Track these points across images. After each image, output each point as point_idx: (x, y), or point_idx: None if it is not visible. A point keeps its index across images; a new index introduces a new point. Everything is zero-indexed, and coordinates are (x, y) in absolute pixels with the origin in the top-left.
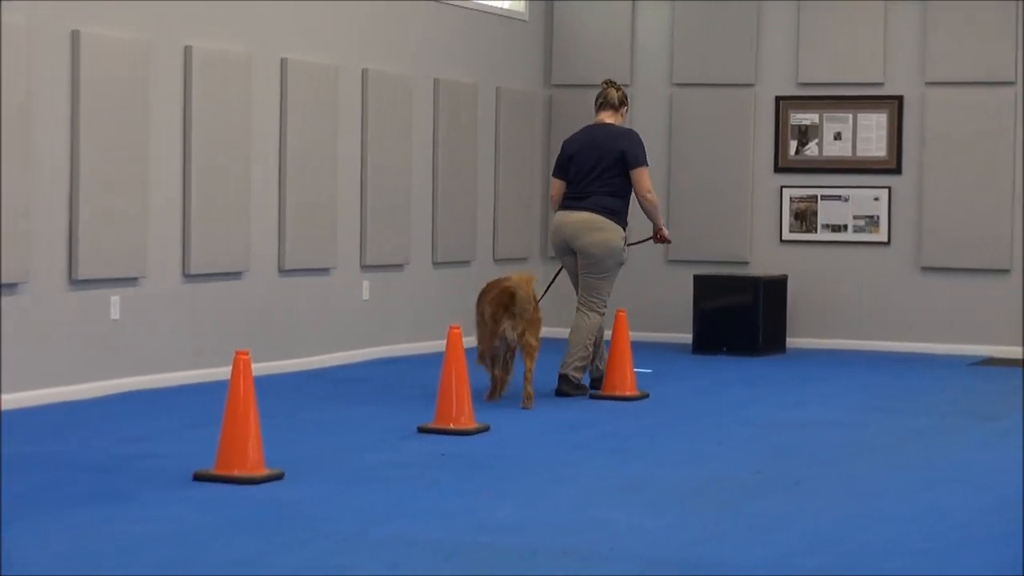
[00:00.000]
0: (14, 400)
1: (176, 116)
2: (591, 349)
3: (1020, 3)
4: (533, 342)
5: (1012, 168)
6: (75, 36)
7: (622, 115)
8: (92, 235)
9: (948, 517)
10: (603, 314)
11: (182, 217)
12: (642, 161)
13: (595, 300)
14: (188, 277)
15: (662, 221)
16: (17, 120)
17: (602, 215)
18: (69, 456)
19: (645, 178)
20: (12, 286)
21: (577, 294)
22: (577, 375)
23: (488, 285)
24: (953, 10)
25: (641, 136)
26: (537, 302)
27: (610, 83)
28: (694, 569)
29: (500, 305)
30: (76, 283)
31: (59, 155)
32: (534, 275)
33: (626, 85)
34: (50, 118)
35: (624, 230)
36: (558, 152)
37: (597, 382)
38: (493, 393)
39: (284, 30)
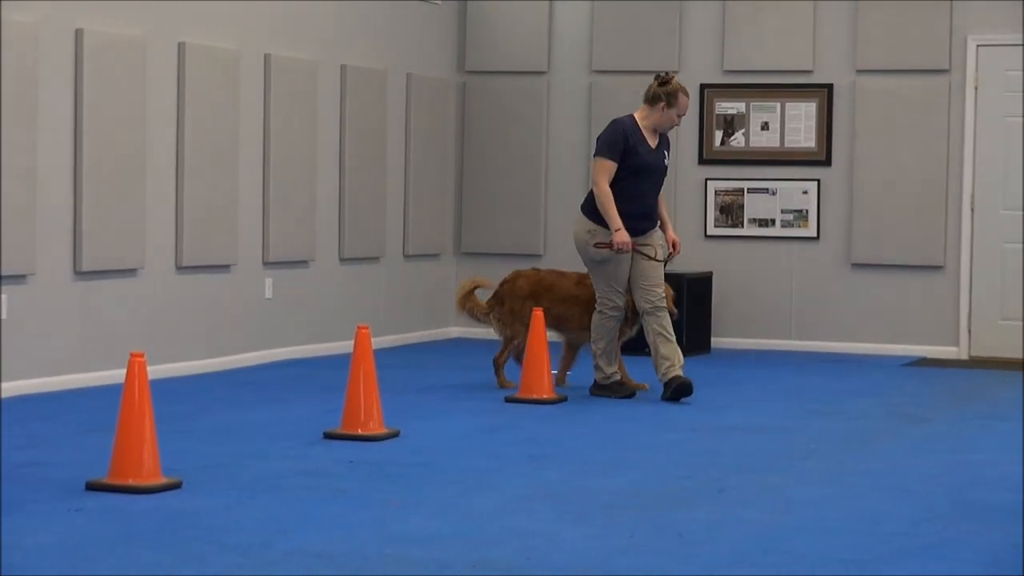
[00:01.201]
0: None
1: (67, 104)
2: (595, 348)
3: None
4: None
5: (946, 160)
6: None
7: (659, 111)
8: None
9: (880, 526)
10: (602, 314)
11: (73, 211)
12: (597, 151)
13: (597, 299)
14: (79, 275)
15: (614, 222)
16: None
17: (581, 209)
18: None
19: (594, 168)
20: None
21: None
22: (598, 375)
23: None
24: None
25: (609, 129)
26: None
27: (657, 76)
28: None
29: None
30: None
31: None
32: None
33: (542, 72)
34: None
35: (593, 223)
36: None
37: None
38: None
39: (181, 12)
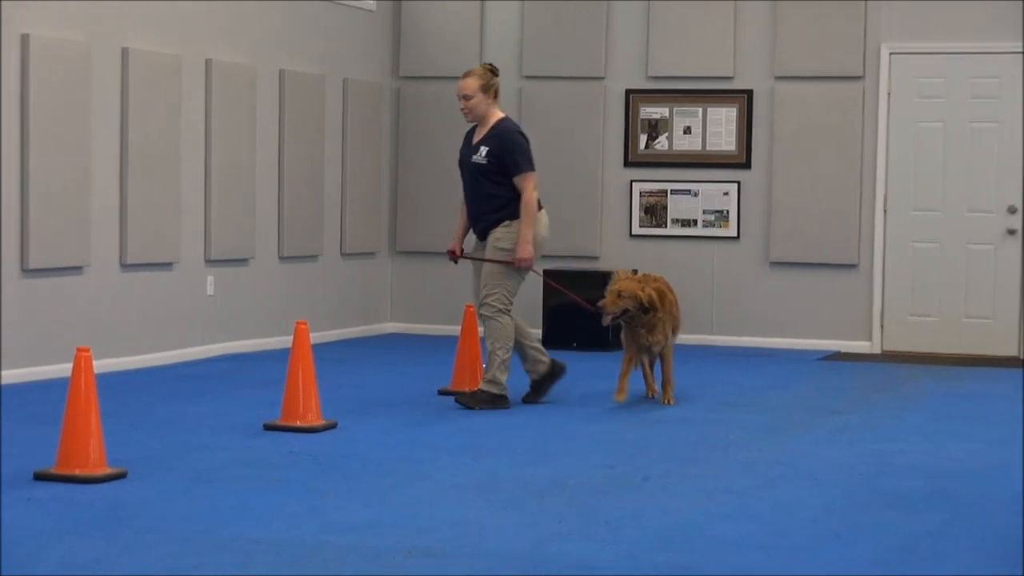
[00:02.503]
0: None
1: (13, 108)
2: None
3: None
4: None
5: (859, 163)
6: None
7: None
8: None
9: (796, 513)
10: None
11: (20, 210)
12: None
13: None
14: (27, 272)
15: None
16: None
17: None
18: None
19: None
20: None
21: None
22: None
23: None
24: (802, 4)
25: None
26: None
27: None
28: (545, 566)
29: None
30: None
31: None
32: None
33: None
34: None
35: None
36: (528, 144)
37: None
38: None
39: (124, 18)
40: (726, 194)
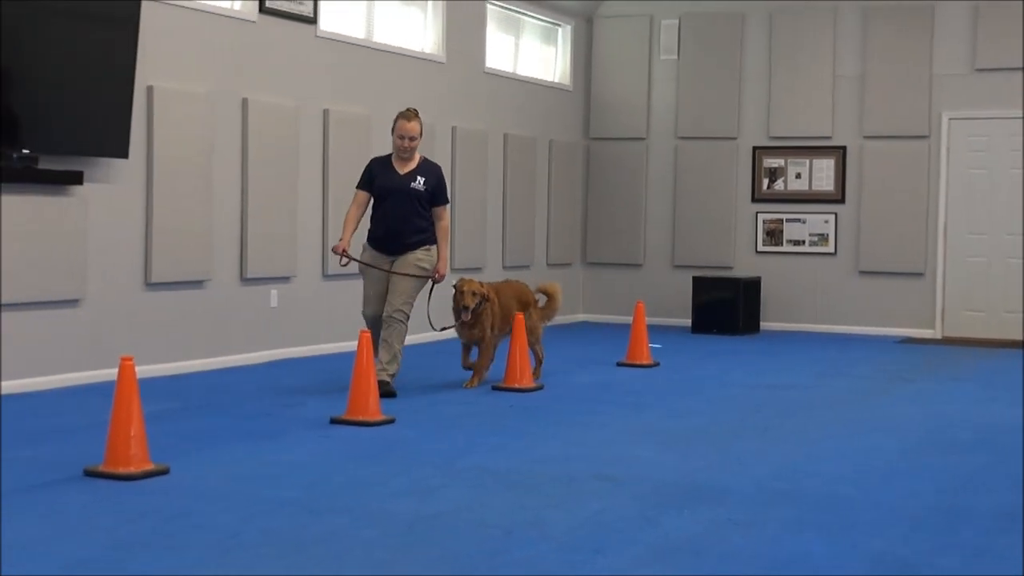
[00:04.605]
0: (194, 364)
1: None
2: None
3: (931, 75)
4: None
5: (926, 199)
6: None
7: (393, 140)
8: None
9: (877, 455)
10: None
11: (322, 234)
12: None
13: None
14: (326, 277)
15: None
16: None
17: None
18: (234, 407)
19: None
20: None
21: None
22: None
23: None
24: (883, 82)
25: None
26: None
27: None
28: (693, 490)
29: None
30: (246, 280)
31: None
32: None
33: (642, 138)
34: None
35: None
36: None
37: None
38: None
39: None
40: (826, 222)
